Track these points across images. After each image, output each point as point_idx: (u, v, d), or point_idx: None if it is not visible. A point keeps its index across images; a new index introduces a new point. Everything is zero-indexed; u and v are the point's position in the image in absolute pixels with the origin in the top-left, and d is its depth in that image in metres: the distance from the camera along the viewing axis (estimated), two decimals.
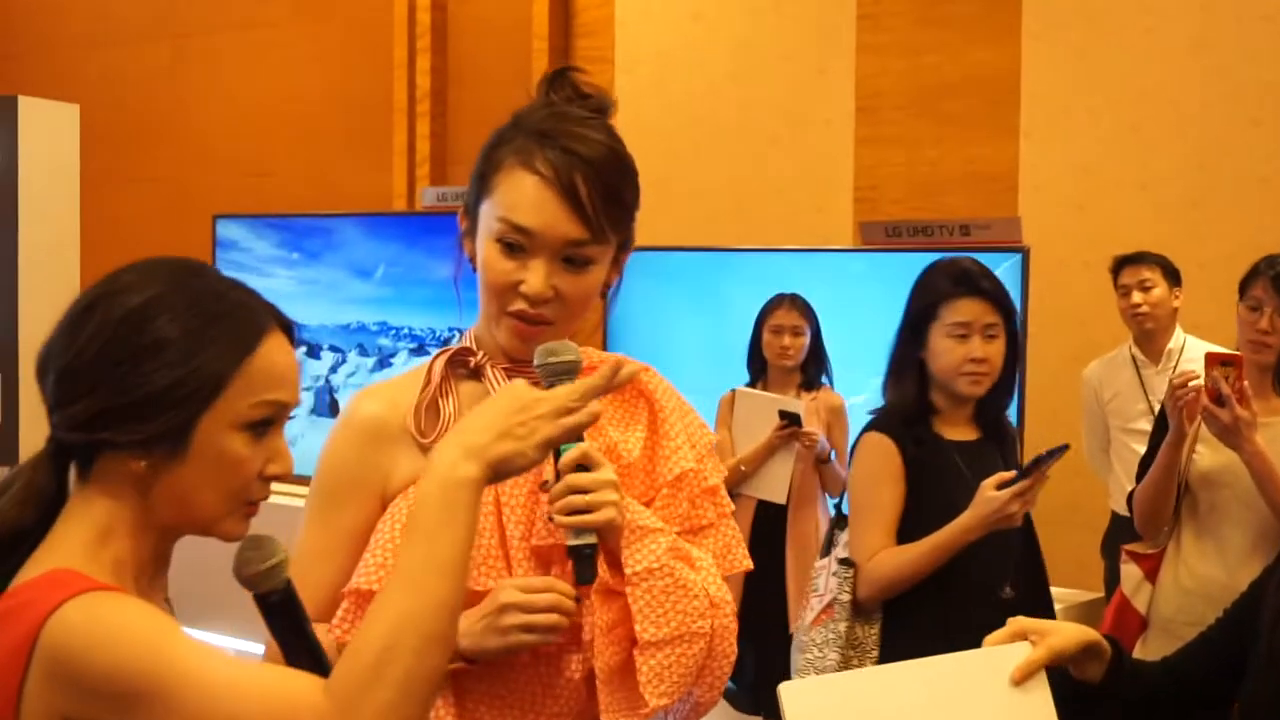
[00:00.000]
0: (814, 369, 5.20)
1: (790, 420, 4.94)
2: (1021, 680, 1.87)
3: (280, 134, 9.57)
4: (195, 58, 10.10)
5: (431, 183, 8.12)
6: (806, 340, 5.14)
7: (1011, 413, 5.32)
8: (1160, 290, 5.18)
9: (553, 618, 1.84)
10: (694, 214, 7.56)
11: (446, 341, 5.44)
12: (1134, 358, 5.25)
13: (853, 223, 7.02)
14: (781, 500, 5.07)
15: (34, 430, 8.03)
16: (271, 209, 8.26)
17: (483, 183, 1.95)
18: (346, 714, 1.47)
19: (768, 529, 5.09)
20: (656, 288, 6.35)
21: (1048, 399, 6.19)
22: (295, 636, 1.66)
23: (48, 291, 8.21)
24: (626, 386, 2.03)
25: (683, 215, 7.49)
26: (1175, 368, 5.15)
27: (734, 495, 5.07)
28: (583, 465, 1.86)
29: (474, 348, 2.02)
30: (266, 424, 1.62)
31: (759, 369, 5.24)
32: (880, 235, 5.94)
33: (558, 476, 1.86)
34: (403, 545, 1.58)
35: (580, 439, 1.85)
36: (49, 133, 8.35)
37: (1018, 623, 1.94)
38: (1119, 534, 5.26)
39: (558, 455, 1.86)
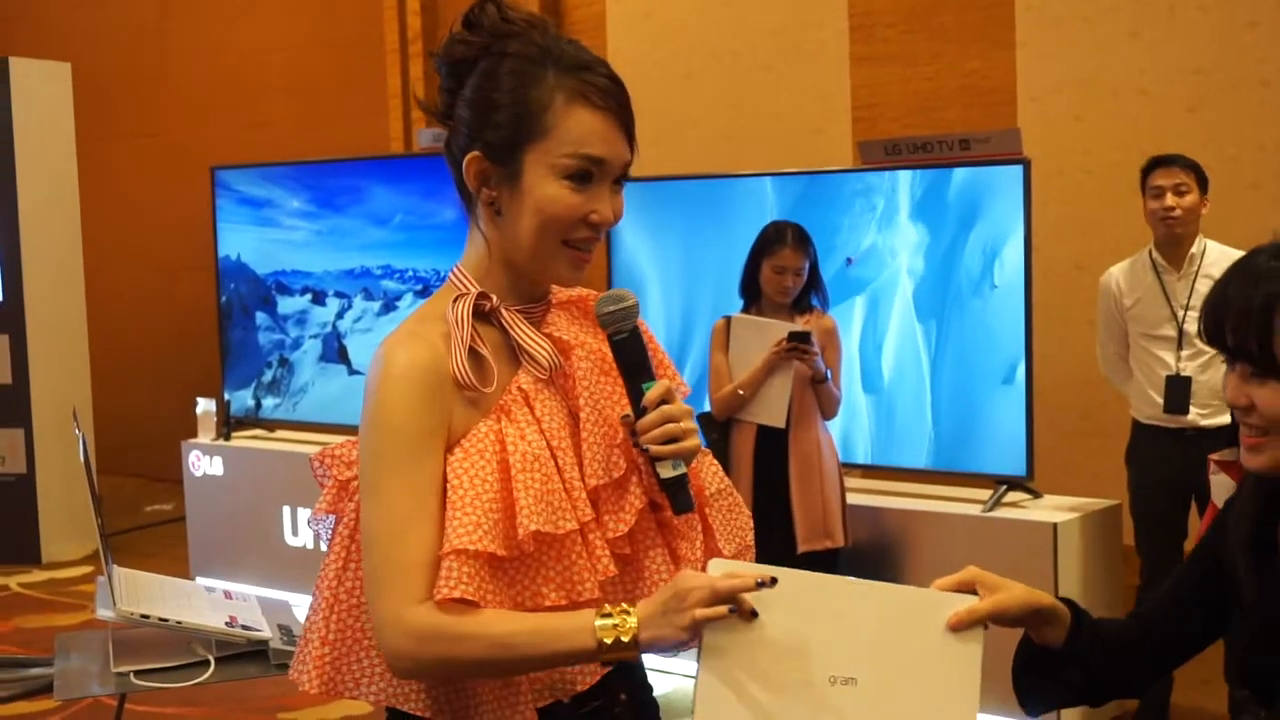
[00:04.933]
0: (807, 295, 5.18)
1: (799, 340, 4.95)
2: (957, 627, 1.85)
3: (273, 84, 9.54)
4: (181, 12, 10.07)
5: (428, 124, 8.09)
6: (805, 277, 5.13)
7: (1019, 321, 5.35)
8: (1193, 196, 5.07)
9: (720, 592, 1.82)
10: (691, 141, 7.54)
11: None
12: (1155, 263, 5.16)
13: (851, 142, 7.00)
14: (780, 424, 5.07)
15: (44, 388, 8.05)
16: (268, 159, 8.24)
17: (528, 124, 1.92)
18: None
19: (769, 452, 5.10)
20: (655, 217, 6.34)
21: (1052, 306, 6.19)
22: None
23: (50, 250, 8.22)
24: (588, 314, 2.06)
25: (679, 143, 7.48)
26: (1197, 273, 5.08)
27: (734, 421, 5.13)
28: (663, 400, 1.95)
29: (484, 290, 2.02)
30: None
31: (753, 296, 5.22)
32: (880, 154, 5.92)
33: (642, 412, 1.94)
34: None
35: (654, 377, 1.96)
36: (42, 92, 8.34)
37: (970, 572, 1.91)
38: (1142, 442, 5.25)
39: (640, 392, 1.95)
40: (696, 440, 1.95)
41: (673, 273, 6.31)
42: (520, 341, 1.99)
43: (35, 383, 8.03)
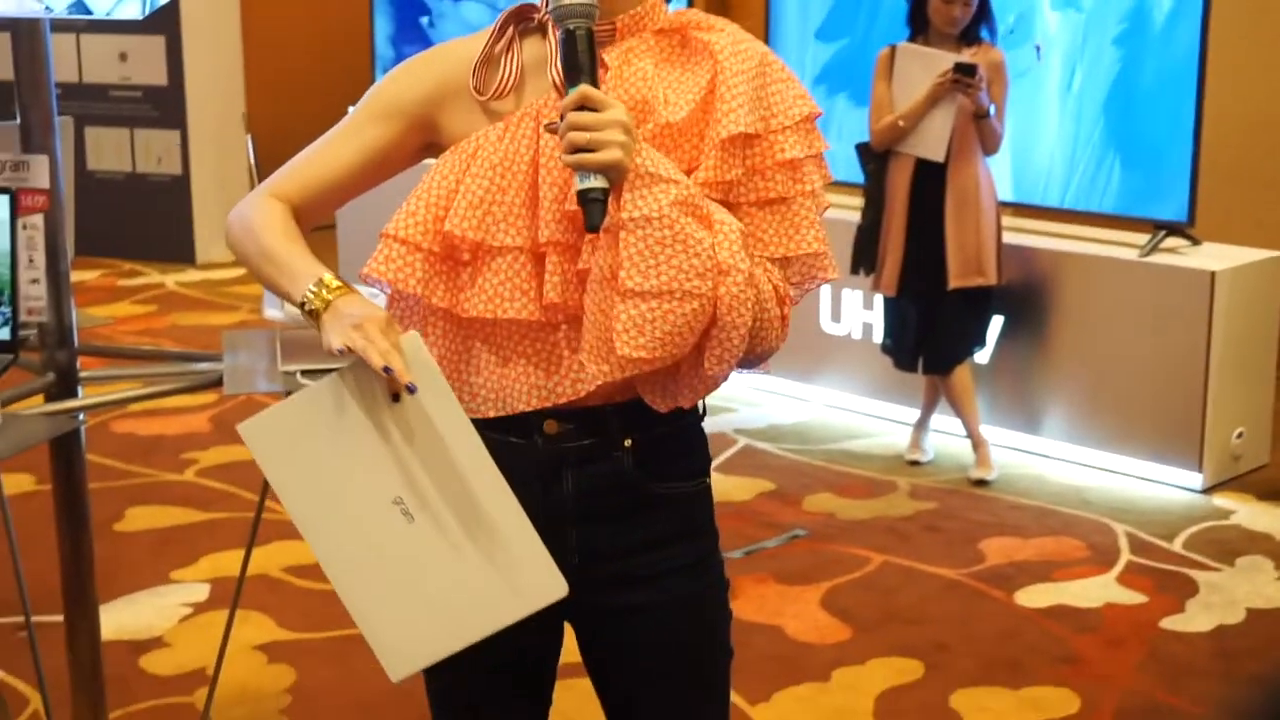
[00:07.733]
0: (975, 26, 5.03)
1: (965, 73, 4.82)
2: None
3: None
4: None
5: None
6: (974, 7, 4.96)
7: (1193, 59, 5.14)
8: None
9: (372, 349, 1.75)
10: None
11: None
12: None
13: None
14: (940, 158, 4.98)
15: (199, 91, 8.10)
16: None
17: None
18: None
19: (926, 186, 5.03)
20: None
21: (1228, 44, 5.95)
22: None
23: None
24: (692, 45, 1.93)
25: None
26: None
27: (893, 153, 5.05)
28: (587, 107, 1.78)
29: (539, 3, 1.96)
30: None
31: (920, 26, 5.07)
32: None
33: (562, 119, 1.80)
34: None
35: (589, 81, 1.81)
36: None
37: None
38: None
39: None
40: (613, 154, 1.75)
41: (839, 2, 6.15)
42: (551, 57, 1.92)
43: (191, 85, 8.10)
